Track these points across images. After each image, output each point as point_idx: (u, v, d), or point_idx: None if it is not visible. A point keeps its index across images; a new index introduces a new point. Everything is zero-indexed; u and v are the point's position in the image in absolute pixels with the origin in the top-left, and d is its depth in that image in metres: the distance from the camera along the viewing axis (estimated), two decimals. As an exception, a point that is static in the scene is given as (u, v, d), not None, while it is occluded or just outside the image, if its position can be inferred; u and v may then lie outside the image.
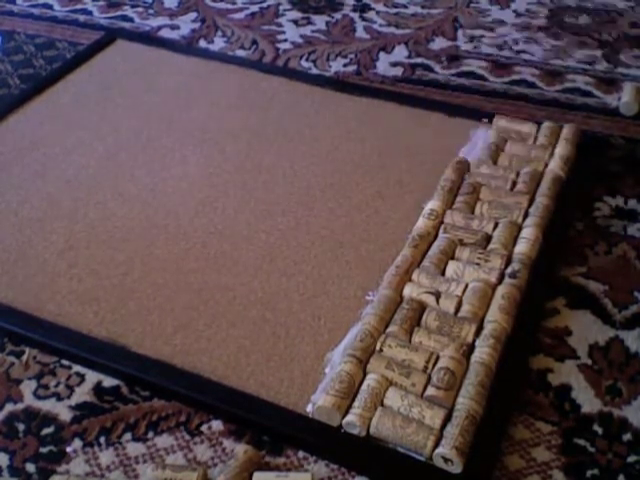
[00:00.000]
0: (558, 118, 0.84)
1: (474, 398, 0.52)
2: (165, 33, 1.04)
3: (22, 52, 1.00)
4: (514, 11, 1.09)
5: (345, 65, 0.97)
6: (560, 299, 0.64)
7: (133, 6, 1.11)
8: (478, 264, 0.63)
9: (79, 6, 1.10)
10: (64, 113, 0.86)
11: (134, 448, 0.53)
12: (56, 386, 0.57)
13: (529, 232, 0.66)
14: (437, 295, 0.60)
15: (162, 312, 0.62)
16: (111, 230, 0.70)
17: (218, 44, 1.01)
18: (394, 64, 0.97)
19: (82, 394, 0.57)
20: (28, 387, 0.57)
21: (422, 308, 0.60)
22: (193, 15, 1.08)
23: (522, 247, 0.65)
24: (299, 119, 0.85)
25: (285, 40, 1.02)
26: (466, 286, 0.61)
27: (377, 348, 0.57)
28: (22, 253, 0.68)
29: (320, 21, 1.07)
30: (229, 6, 1.11)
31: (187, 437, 0.54)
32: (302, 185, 0.75)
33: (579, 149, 0.77)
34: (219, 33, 1.04)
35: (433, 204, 0.70)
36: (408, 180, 0.75)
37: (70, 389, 0.57)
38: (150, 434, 0.54)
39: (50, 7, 1.10)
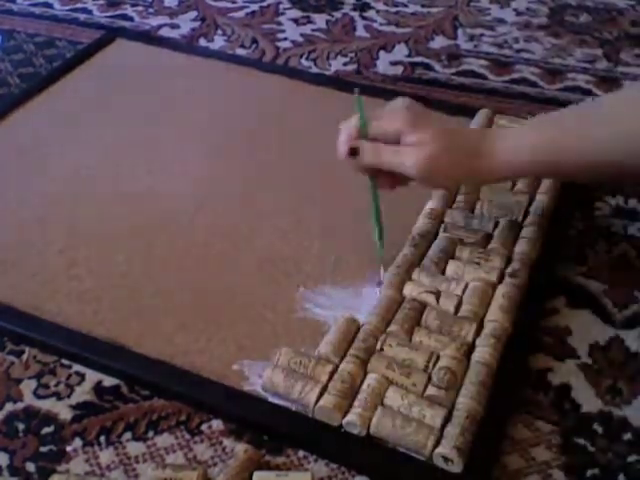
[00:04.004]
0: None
1: (475, 398, 0.52)
2: (165, 32, 1.04)
3: (22, 51, 1.00)
4: (514, 10, 1.09)
5: (345, 64, 0.97)
6: (560, 299, 0.64)
7: (133, 5, 1.11)
8: (478, 263, 0.63)
9: (79, 5, 1.10)
10: (64, 112, 0.86)
11: (134, 447, 0.53)
12: (56, 385, 0.57)
13: (529, 231, 0.66)
14: (437, 294, 0.60)
15: (162, 312, 0.62)
16: (111, 230, 0.70)
17: (218, 43, 1.01)
18: (394, 63, 0.97)
19: (82, 393, 0.57)
20: (28, 386, 0.57)
21: (423, 308, 0.60)
22: (193, 14, 1.08)
23: (522, 246, 0.65)
24: (299, 118, 0.85)
25: (285, 39, 1.02)
26: (466, 285, 0.61)
27: (378, 347, 0.57)
28: (22, 253, 0.68)
29: (320, 20, 1.07)
30: (229, 5, 1.11)
31: (187, 436, 0.54)
32: (302, 184, 0.75)
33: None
34: (219, 32, 1.04)
35: (433, 203, 0.70)
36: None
37: (70, 388, 0.57)
38: (150, 433, 0.54)
39: (50, 6, 1.10)
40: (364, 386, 0.54)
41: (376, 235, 0.63)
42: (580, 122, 0.58)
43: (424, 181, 0.60)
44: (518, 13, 1.08)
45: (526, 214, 0.69)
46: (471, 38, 1.02)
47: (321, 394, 0.53)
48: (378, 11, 1.09)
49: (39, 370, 0.59)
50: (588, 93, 0.90)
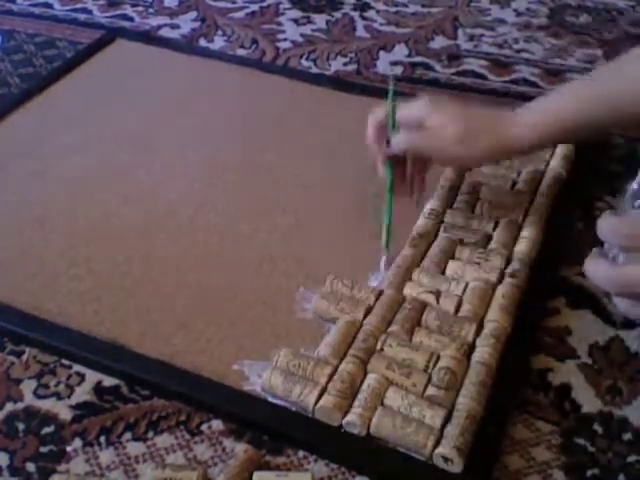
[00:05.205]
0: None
1: (474, 398, 0.52)
2: (165, 32, 1.04)
3: (22, 51, 1.00)
4: (514, 10, 1.09)
5: (345, 64, 0.97)
6: (560, 298, 0.64)
7: (133, 5, 1.11)
8: (478, 263, 0.63)
9: (79, 5, 1.10)
10: (64, 112, 0.86)
11: (134, 447, 0.53)
12: (56, 385, 0.57)
13: (529, 231, 0.66)
14: (437, 294, 0.60)
15: (162, 312, 0.62)
16: (111, 230, 0.70)
17: (218, 43, 1.01)
18: (394, 63, 0.97)
19: (82, 393, 0.57)
20: (28, 386, 0.57)
21: (423, 308, 0.60)
22: (193, 14, 1.08)
23: (522, 246, 0.65)
24: (299, 118, 0.85)
25: (285, 39, 1.02)
26: (466, 285, 0.61)
27: (378, 348, 0.57)
28: (22, 253, 0.68)
29: (320, 20, 1.07)
30: (229, 5, 1.11)
31: (187, 436, 0.54)
32: (302, 184, 0.75)
33: (579, 148, 0.77)
34: (219, 32, 1.04)
35: (433, 204, 0.70)
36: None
37: (70, 388, 0.57)
38: (150, 433, 0.54)
39: (50, 6, 1.10)
40: (364, 386, 0.54)
41: (384, 238, 0.64)
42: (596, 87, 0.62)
43: (453, 159, 0.65)
44: (518, 13, 1.08)
45: (526, 214, 0.69)
46: (471, 38, 1.02)
47: (320, 396, 0.53)
48: (378, 11, 1.09)
49: (39, 370, 0.59)
50: (588, 93, 0.90)
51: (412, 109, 0.64)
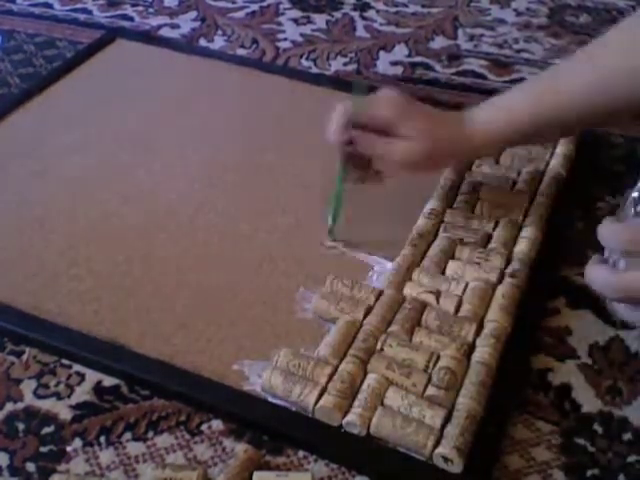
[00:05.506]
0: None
1: (474, 398, 0.52)
2: (165, 32, 1.04)
3: (22, 51, 1.00)
4: (514, 10, 1.09)
5: (345, 64, 0.97)
6: (560, 298, 0.64)
7: (133, 5, 1.11)
8: (478, 263, 0.63)
9: (79, 5, 1.10)
10: (64, 112, 0.86)
11: (134, 447, 0.53)
12: (56, 385, 0.57)
13: (529, 231, 0.66)
14: (437, 294, 0.60)
15: (162, 312, 0.62)
16: (111, 230, 0.70)
17: (218, 43, 1.01)
18: (394, 63, 0.97)
19: (82, 393, 0.57)
20: (28, 386, 0.57)
21: (423, 308, 0.60)
22: (193, 14, 1.08)
23: (522, 246, 0.65)
24: (299, 118, 0.85)
25: (285, 39, 1.02)
26: (466, 285, 0.61)
27: (378, 348, 0.57)
28: (22, 253, 0.68)
29: (320, 20, 1.07)
30: (229, 5, 1.11)
31: (187, 436, 0.54)
32: (302, 184, 0.75)
33: (579, 148, 0.77)
34: (219, 32, 1.04)
35: (433, 203, 0.70)
36: (408, 179, 0.75)
37: (70, 388, 0.57)
38: (150, 433, 0.54)
39: (50, 6, 1.10)
40: (364, 386, 0.54)
41: (330, 219, 0.67)
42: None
43: (410, 171, 0.64)
44: (518, 13, 1.08)
45: (526, 214, 0.69)
46: (471, 38, 1.02)
47: (320, 396, 0.53)
48: (378, 11, 1.09)
49: (39, 370, 0.59)
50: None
51: (380, 110, 0.62)
